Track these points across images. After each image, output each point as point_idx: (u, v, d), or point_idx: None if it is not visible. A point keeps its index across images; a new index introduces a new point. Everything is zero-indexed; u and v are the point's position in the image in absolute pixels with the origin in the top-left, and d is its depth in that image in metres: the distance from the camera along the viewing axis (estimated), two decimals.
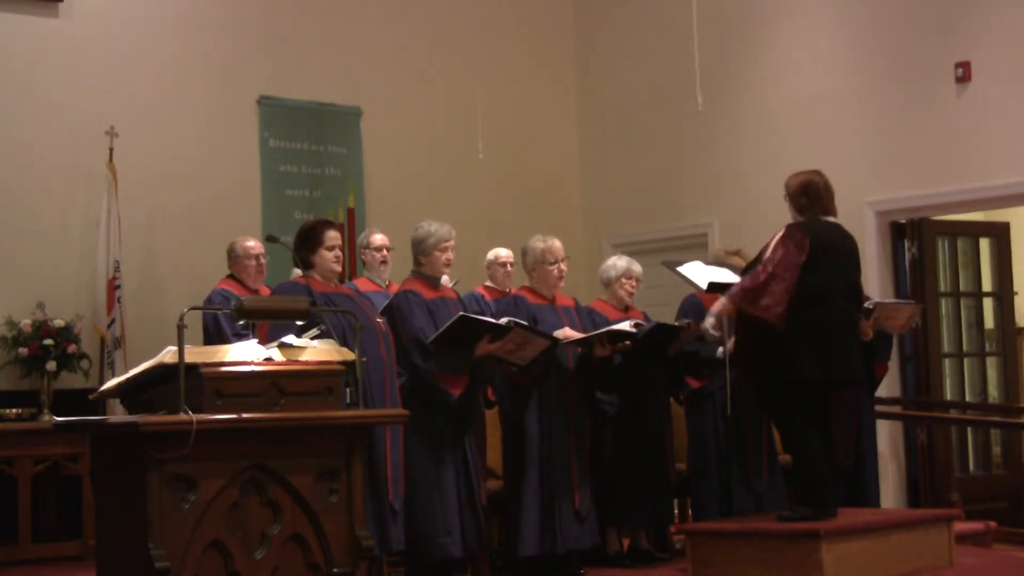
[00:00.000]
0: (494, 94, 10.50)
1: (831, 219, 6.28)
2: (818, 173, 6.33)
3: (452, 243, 6.45)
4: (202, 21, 9.43)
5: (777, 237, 6.16)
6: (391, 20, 10.30)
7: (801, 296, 6.02)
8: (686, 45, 9.42)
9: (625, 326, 6.67)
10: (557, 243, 6.82)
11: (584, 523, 6.60)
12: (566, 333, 6.60)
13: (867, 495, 7.39)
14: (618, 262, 7.23)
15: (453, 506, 6.17)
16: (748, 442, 7.00)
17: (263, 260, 7.18)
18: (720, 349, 6.94)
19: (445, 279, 6.69)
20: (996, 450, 9.86)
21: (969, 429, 9.57)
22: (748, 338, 6.20)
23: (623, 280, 7.15)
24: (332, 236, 6.01)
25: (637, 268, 7.21)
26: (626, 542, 7.13)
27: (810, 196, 6.24)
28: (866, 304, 7.23)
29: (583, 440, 6.69)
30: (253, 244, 7.18)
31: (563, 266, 6.81)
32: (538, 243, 6.80)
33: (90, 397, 5.94)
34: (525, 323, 6.35)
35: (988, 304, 9.90)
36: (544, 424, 6.56)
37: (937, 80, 8.88)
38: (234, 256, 7.16)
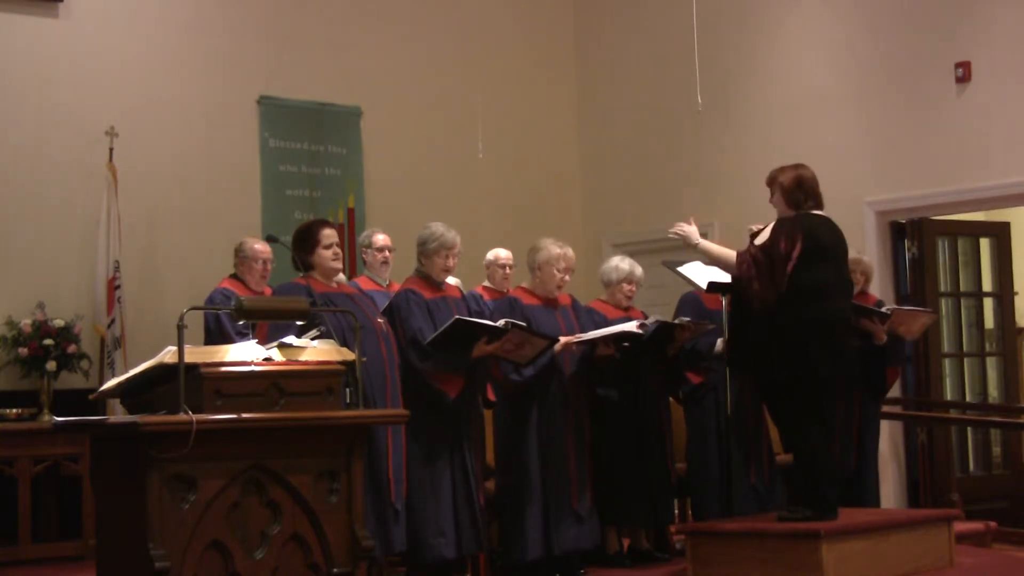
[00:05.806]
0: (494, 94, 10.49)
1: (821, 213, 6.23)
2: (804, 166, 6.29)
3: (456, 250, 6.39)
4: (202, 21, 9.43)
5: (768, 228, 6.15)
6: (391, 20, 10.29)
7: (800, 293, 5.99)
8: (686, 45, 9.40)
9: (631, 327, 6.65)
10: (571, 253, 6.80)
11: (584, 523, 6.60)
12: (567, 343, 6.58)
13: (865, 499, 7.38)
14: (621, 264, 7.19)
15: (448, 507, 6.16)
16: (748, 441, 7.01)
17: (269, 265, 7.19)
18: (719, 342, 6.94)
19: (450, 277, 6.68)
20: (996, 450, 9.86)
21: (969, 429, 9.57)
22: (745, 336, 6.19)
23: (623, 284, 7.13)
24: (328, 234, 6.00)
25: (639, 272, 7.19)
26: (626, 542, 7.13)
27: (805, 190, 6.19)
28: (883, 309, 7.26)
29: (583, 441, 6.69)
30: (262, 247, 7.18)
31: (568, 277, 6.79)
32: (554, 247, 6.72)
33: (90, 397, 5.94)
34: (523, 324, 6.34)
35: (988, 304, 9.90)
36: (544, 426, 6.56)
37: (937, 80, 8.87)
38: (241, 255, 7.17)
